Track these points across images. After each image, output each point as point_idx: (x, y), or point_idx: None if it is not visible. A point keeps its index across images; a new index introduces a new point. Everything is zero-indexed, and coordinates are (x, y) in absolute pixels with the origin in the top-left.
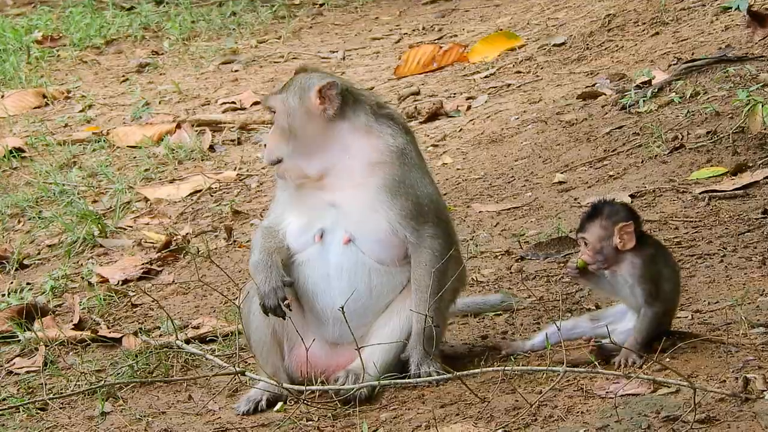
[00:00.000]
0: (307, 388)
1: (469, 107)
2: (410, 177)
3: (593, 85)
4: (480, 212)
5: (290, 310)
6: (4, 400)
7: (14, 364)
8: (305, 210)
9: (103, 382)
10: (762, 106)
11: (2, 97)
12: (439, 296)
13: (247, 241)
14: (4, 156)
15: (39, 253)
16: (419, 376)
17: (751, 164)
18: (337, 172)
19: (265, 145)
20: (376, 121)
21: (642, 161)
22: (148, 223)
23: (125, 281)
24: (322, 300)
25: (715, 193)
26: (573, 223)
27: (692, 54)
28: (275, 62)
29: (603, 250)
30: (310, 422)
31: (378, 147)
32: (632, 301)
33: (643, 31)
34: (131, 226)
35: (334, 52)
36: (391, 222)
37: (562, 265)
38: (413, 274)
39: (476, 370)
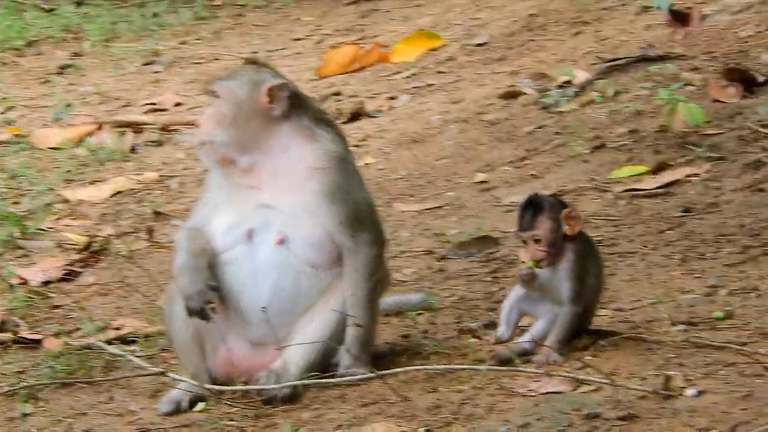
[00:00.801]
0: (229, 388)
1: (390, 107)
2: (349, 184)
3: (515, 85)
4: (402, 212)
5: (215, 313)
6: None
7: None
8: (235, 208)
9: (23, 384)
10: (683, 104)
11: None
12: (372, 301)
13: (169, 242)
14: None
15: None
16: (343, 376)
17: (672, 163)
18: (274, 172)
19: (195, 126)
20: (317, 126)
21: (563, 160)
22: (69, 225)
23: (46, 282)
24: (247, 299)
25: (636, 192)
26: (494, 222)
27: (614, 53)
28: (196, 63)
29: (556, 242)
30: (232, 422)
31: (318, 152)
32: (558, 298)
33: (565, 30)
34: (52, 228)
35: (255, 52)
36: (328, 227)
37: (483, 264)
38: (348, 279)
39: (398, 369)
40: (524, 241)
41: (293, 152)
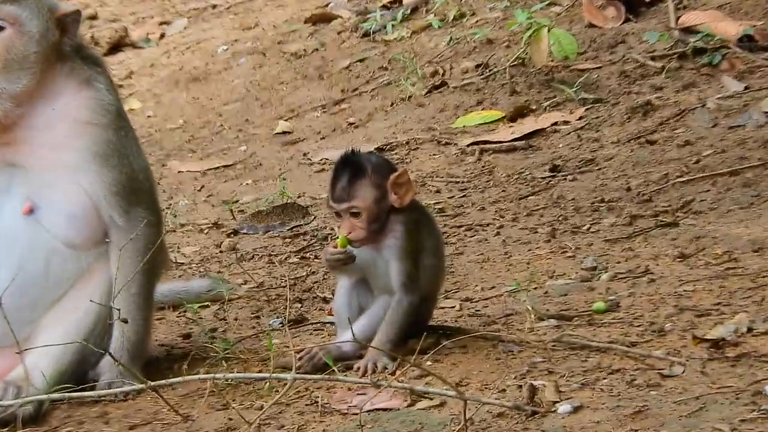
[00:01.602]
0: None
1: (162, 35)
2: (126, 145)
3: (326, 6)
4: (179, 172)
5: None
6: None
7: None
8: None
9: None
10: (548, 30)
11: None
12: (147, 292)
13: None
14: None
15: None
16: (106, 387)
17: (534, 107)
18: (32, 125)
19: None
20: (89, 67)
21: (392, 104)
22: None
23: None
24: None
25: (488, 145)
26: (301, 185)
27: None
28: None
29: (380, 215)
30: None
31: (91, 103)
32: (386, 286)
33: None
34: None
35: None
36: (94, 196)
37: (288, 240)
38: (115, 265)
39: (176, 379)
40: (338, 214)
41: (62, 101)
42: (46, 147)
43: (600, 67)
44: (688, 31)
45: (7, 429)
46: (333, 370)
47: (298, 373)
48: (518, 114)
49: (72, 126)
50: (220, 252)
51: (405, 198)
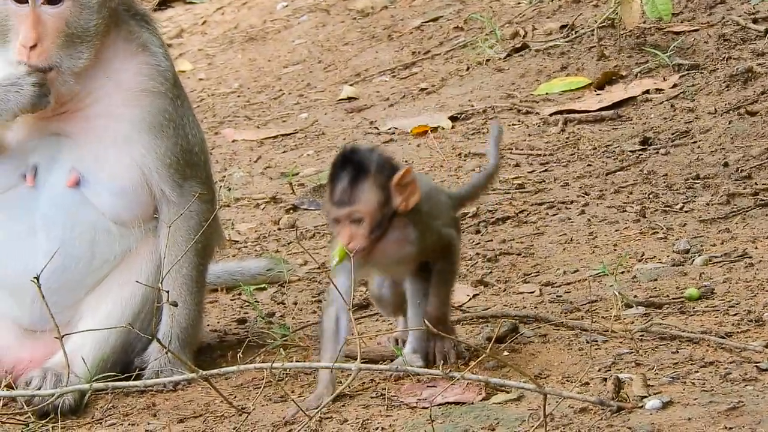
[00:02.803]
0: None
1: None
2: (181, 114)
3: None
4: (234, 141)
5: None
6: None
7: None
8: (10, 135)
9: None
10: None
11: None
12: (199, 275)
13: None
14: None
15: None
16: (153, 376)
17: (624, 73)
18: (83, 93)
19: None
20: (143, 30)
21: (467, 68)
22: None
23: None
24: (17, 266)
25: (572, 115)
26: None
27: None
28: None
29: (383, 221)
30: None
31: (146, 69)
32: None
33: None
34: None
35: None
36: (146, 169)
37: None
38: (166, 243)
39: (230, 368)
40: (336, 220)
41: (116, 68)
42: (97, 116)
43: (696, 30)
44: None
45: (45, 421)
46: (402, 359)
47: (363, 363)
48: (606, 81)
49: (126, 95)
50: (279, 229)
51: (410, 201)
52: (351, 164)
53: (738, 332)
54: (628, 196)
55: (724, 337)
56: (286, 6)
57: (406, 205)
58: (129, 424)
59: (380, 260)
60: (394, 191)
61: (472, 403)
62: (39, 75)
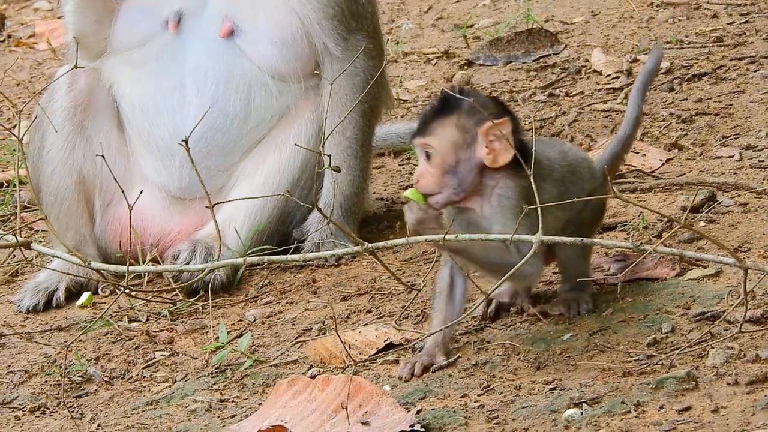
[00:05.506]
0: (131, 269)
1: None
2: None
3: None
4: None
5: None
6: None
7: None
8: None
9: None
10: None
11: None
12: (365, 138)
13: (29, 37)
14: None
15: None
16: (314, 250)
17: None
18: None
19: None
20: None
21: None
22: None
23: None
24: (164, 126)
25: None
26: (550, 7)
27: None
28: None
29: (457, 167)
30: (135, 323)
31: None
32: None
33: None
34: None
35: None
36: (306, 20)
37: (534, 73)
38: (334, 105)
39: (398, 240)
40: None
41: None
42: None
43: None
44: None
45: (195, 299)
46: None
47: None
48: None
49: None
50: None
51: (499, 156)
52: (446, 99)
53: None
54: None
55: None
56: None
57: (494, 159)
58: (286, 303)
59: (477, 220)
60: (481, 139)
61: (665, 279)
62: None
